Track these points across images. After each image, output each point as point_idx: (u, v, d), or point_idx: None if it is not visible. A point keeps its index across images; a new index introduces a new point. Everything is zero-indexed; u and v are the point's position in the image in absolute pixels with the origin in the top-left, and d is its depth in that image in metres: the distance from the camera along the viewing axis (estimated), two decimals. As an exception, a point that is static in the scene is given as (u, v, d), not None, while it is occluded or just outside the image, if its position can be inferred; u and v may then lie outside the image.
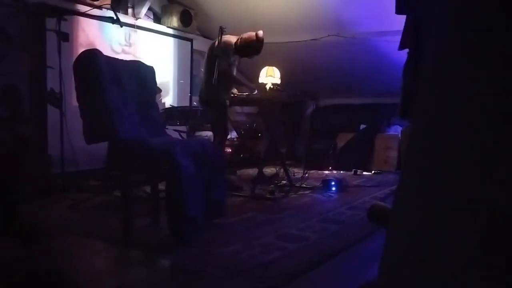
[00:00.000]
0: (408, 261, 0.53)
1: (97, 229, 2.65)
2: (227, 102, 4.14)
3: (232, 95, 4.24)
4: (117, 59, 2.87)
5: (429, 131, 0.53)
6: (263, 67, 5.04)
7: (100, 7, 4.44)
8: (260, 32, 4.00)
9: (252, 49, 4.04)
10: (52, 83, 3.87)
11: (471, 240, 0.45)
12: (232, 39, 4.05)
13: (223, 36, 3.95)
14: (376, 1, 4.86)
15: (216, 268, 1.95)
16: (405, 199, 0.56)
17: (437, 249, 0.49)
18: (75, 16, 4.37)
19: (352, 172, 5.73)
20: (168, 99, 5.65)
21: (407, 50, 1.91)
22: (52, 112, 3.95)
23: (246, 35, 4.04)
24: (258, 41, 3.98)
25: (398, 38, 2.30)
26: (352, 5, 5.01)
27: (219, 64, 3.86)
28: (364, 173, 5.77)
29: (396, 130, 6.51)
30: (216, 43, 3.96)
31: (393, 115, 6.55)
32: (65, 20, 3.82)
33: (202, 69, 4.11)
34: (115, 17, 3.88)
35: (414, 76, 1.54)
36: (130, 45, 5.04)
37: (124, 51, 4.96)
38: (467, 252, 0.46)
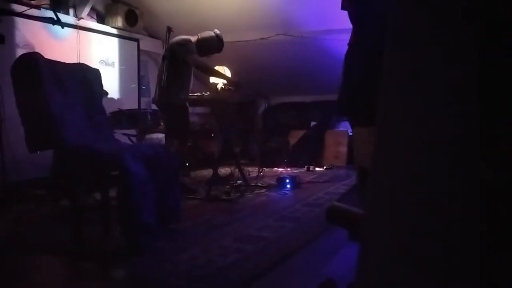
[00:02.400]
0: (388, 261, 0.53)
1: (45, 242, 2.51)
2: (187, 103, 4.06)
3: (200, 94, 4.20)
4: (60, 62, 2.73)
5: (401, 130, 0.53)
6: (213, 66, 4.99)
7: (38, 7, 4.21)
8: (218, 31, 4.03)
9: (213, 48, 4.03)
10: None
11: (449, 236, 0.46)
12: (187, 38, 3.97)
13: (175, 36, 3.88)
14: (322, 0, 4.97)
15: (173, 276, 1.90)
16: (383, 201, 0.56)
17: (418, 247, 0.49)
18: (11, 16, 4.11)
19: (305, 168, 5.83)
20: (115, 102, 5.46)
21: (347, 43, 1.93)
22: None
23: (205, 34, 4.02)
24: (219, 39, 3.98)
25: (343, 37, 2.34)
26: (299, 4, 5.09)
27: (194, 61, 3.82)
28: (317, 169, 5.89)
29: (345, 126, 6.69)
30: (168, 43, 3.88)
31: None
32: (0, 21, 3.58)
33: (160, 69, 3.99)
34: (55, 18, 3.70)
35: (364, 72, 1.55)
36: (72, 45, 4.82)
37: (65, 52, 4.73)
38: (448, 249, 0.46)
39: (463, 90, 0.47)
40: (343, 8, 1.89)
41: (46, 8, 4.33)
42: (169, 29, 4.02)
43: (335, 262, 2.06)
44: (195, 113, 6.64)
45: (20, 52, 4.00)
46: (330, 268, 1.97)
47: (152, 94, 4.53)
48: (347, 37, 1.94)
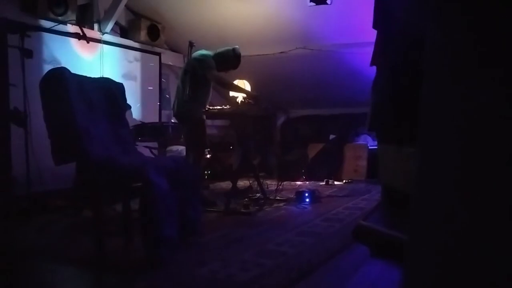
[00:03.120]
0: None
1: (68, 253, 2.56)
2: (204, 116, 4.11)
3: (217, 107, 4.24)
4: (86, 76, 2.80)
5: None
6: (233, 80, 5.05)
7: (65, 23, 4.33)
8: (237, 47, 4.05)
9: (229, 64, 4.06)
10: (15, 101, 3.73)
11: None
12: (208, 53, 4.03)
13: (197, 50, 3.95)
14: (341, 14, 4.99)
15: (194, 289, 1.91)
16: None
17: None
18: (39, 32, 4.25)
19: (324, 182, 5.79)
20: (136, 114, 5.55)
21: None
22: (16, 132, 3.80)
23: (222, 49, 4.05)
24: (236, 56, 4.01)
25: (362, 50, 2.35)
26: (319, 18, 5.12)
27: (190, 81, 3.85)
28: (336, 182, 5.84)
29: (365, 140, 6.65)
30: (189, 57, 3.95)
31: (361, 125, 6.70)
32: (29, 36, 3.70)
33: (180, 84, 4.06)
34: (81, 33, 3.81)
35: (385, 92, 1.58)
36: (96, 60, 4.94)
37: (91, 67, 4.86)
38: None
39: None
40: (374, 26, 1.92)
41: (72, 24, 4.46)
42: (191, 44, 4.09)
43: (355, 280, 2.03)
44: (214, 125, 6.70)
45: (47, 66, 4.13)
46: (351, 286, 1.95)
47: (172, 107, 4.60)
48: (365, 50, 1.96)
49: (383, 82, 1.60)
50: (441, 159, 0.55)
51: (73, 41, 4.44)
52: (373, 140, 6.53)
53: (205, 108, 4.07)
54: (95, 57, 4.95)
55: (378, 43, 1.87)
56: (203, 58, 3.93)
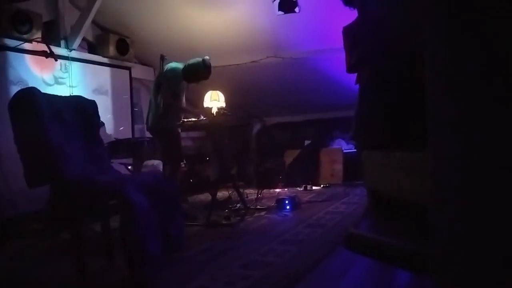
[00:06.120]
0: None
1: (49, 278, 2.47)
2: (179, 129, 4.07)
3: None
4: (57, 95, 2.75)
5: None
6: (206, 91, 5.03)
7: (30, 41, 4.22)
8: (207, 58, 3.98)
9: (199, 75, 4.01)
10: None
11: None
12: (179, 65, 4.01)
13: (169, 63, 3.92)
14: (310, 22, 5.06)
15: (183, 307, 1.87)
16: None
17: None
18: (4, 51, 4.12)
19: (302, 187, 5.83)
20: (109, 129, 5.45)
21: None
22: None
23: (192, 61, 4.00)
24: (206, 66, 3.96)
25: (333, 56, 2.43)
26: (288, 26, 5.17)
27: (163, 94, 3.81)
28: (314, 187, 5.88)
29: (339, 144, 6.74)
30: (160, 71, 3.91)
31: (335, 129, 6.80)
32: (-7, 56, 3.59)
33: (152, 98, 4.02)
34: (48, 51, 3.73)
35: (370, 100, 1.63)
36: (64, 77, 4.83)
37: (57, 82, 4.74)
38: None
39: None
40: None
41: (38, 41, 4.34)
42: (162, 57, 4.06)
43: (343, 285, 2.04)
44: (189, 137, 6.65)
45: (13, 88, 4.00)
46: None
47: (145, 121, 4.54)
48: (335, 56, 2.05)
49: (368, 91, 1.65)
50: (454, 164, 0.55)
51: (40, 59, 4.32)
52: (347, 143, 6.63)
53: (179, 121, 4.03)
54: (64, 75, 4.83)
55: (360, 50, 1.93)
56: (170, 73, 3.91)
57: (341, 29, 2.36)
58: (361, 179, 2.44)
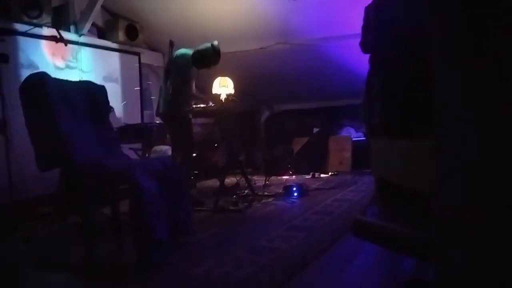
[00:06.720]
0: None
1: (58, 260, 2.51)
2: (190, 115, 4.07)
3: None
4: (67, 80, 2.75)
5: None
6: (215, 78, 5.02)
7: (40, 26, 4.23)
8: (216, 42, 3.91)
9: (209, 60, 3.95)
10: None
11: None
12: (189, 51, 3.98)
13: (178, 49, 3.90)
14: (320, 8, 5.00)
15: (190, 290, 1.90)
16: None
17: None
18: (14, 36, 4.14)
19: (310, 175, 5.83)
20: (119, 114, 5.48)
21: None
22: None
23: (202, 46, 3.95)
24: (215, 51, 3.91)
25: (342, 43, 2.42)
26: (297, 13, 5.11)
27: (172, 80, 3.81)
28: (322, 175, 5.88)
29: (348, 132, 6.71)
30: (170, 57, 3.91)
31: (344, 117, 6.76)
32: (3, 40, 3.60)
33: (162, 84, 4.02)
34: (58, 36, 3.74)
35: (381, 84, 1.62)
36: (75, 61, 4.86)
37: (68, 67, 4.77)
38: None
39: None
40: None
41: (48, 26, 4.35)
42: (171, 43, 4.05)
43: (349, 272, 2.05)
44: (197, 123, 6.66)
45: (25, 71, 4.03)
46: (345, 278, 1.97)
47: (155, 107, 4.55)
48: (344, 43, 2.04)
49: (376, 78, 1.64)
50: (460, 155, 0.55)
51: (51, 44, 4.34)
52: (356, 131, 6.60)
53: (190, 107, 4.03)
54: (73, 60, 4.85)
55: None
56: (179, 59, 3.90)
57: (350, 17, 2.35)
58: (369, 168, 2.44)
